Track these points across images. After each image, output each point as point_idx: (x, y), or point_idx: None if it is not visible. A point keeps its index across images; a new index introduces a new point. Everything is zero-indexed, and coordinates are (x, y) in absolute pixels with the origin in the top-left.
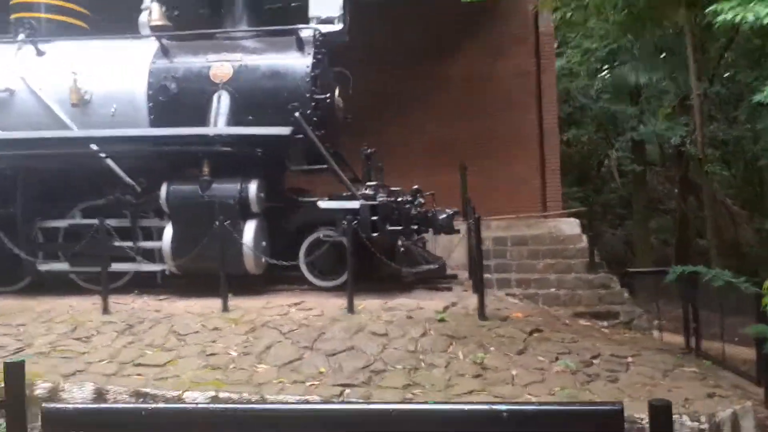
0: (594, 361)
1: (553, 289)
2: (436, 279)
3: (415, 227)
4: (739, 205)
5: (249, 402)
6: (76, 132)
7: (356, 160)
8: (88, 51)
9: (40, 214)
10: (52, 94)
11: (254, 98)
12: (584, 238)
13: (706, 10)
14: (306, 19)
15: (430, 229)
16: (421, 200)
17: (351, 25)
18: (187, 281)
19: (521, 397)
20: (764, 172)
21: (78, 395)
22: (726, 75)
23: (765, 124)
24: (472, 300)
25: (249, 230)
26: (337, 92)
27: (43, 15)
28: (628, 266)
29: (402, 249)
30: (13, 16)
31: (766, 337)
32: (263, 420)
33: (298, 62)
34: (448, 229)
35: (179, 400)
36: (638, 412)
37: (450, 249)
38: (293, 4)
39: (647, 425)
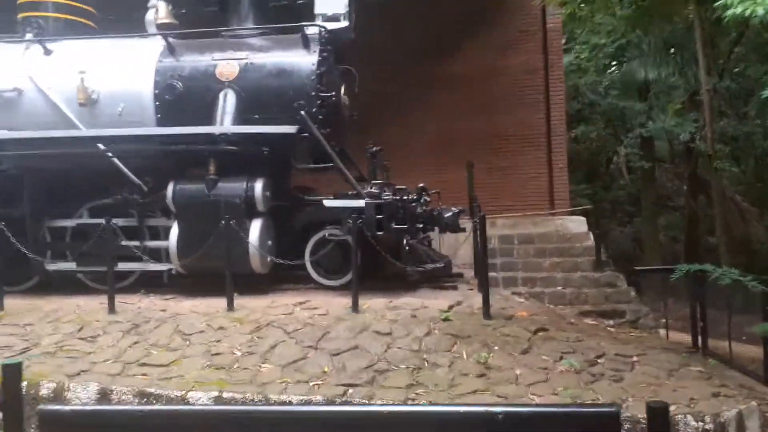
0: (599, 360)
1: (559, 288)
2: (442, 278)
3: (421, 226)
4: (749, 201)
5: (252, 402)
6: (83, 131)
7: (362, 159)
8: (95, 50)
9: (47, 213)
10: (59, 94)
11: (260, 96)
12: (591, 236)
13: (716, 4)
14: (312, 16)
15: (436, 228)
16: (427, 198)
17: (355, 23)
18: (193, 281)
19: (525, 397)
20: None
21: (82, 395)
22: (736, 70)
23: None
24: (478, 299)
25: (255, 229)
26: (342, 90)
27: (50, 14)
28: (636, 264)
29: (407, 247)
30: (20, 16)
31: None
32: (258, 421)
33: (303, 60)
34: (453, 227)
35: (183, 400)
36: (642, 413)
37: (456, 247)
38: (299, 1)
39: None
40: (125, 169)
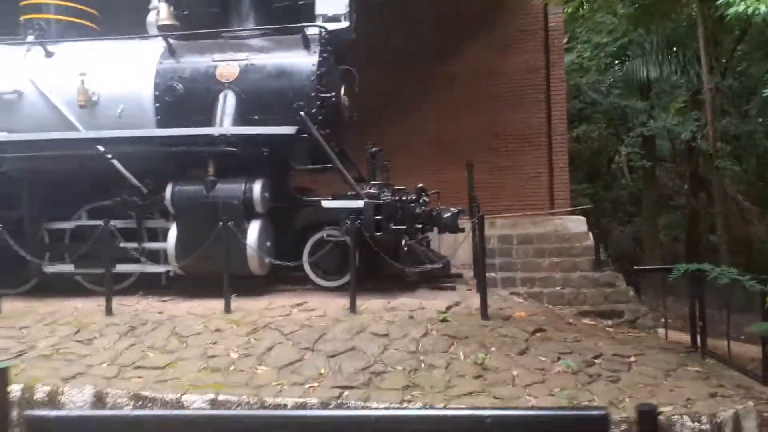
0: (596, 361)
1: (558, 288)
2: (440, 278)
3: (420, 226)
4: (751, 201)
5: (247, 404)
6: (82, 133)
7: (362, 159)
8: (96, 52)
9: (46, 215)
10: (60, 96)
11: (260, 98)
12: (590, 235)
13: (718, 2)
14: (313, 17)
15: (435, 228)
16: (426, 199)
17: (357, 24)
18: (192, 282)
19: (521, 398)
20: None
21: (78, 399)
22: (739, 68)
23: None
24: (476, 299)
25: (253, 231)
26: (342, 90)
27: (52, 16)
28: (637, 263)
29: (406, 248)
30: (22, 18)
31: None
32: (247, 426)
33: (303, 61)
34: (452, 227)
35: (178, 403)
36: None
37: (455, 248)
38: (301, 2)
39: None
40: (125, 171)
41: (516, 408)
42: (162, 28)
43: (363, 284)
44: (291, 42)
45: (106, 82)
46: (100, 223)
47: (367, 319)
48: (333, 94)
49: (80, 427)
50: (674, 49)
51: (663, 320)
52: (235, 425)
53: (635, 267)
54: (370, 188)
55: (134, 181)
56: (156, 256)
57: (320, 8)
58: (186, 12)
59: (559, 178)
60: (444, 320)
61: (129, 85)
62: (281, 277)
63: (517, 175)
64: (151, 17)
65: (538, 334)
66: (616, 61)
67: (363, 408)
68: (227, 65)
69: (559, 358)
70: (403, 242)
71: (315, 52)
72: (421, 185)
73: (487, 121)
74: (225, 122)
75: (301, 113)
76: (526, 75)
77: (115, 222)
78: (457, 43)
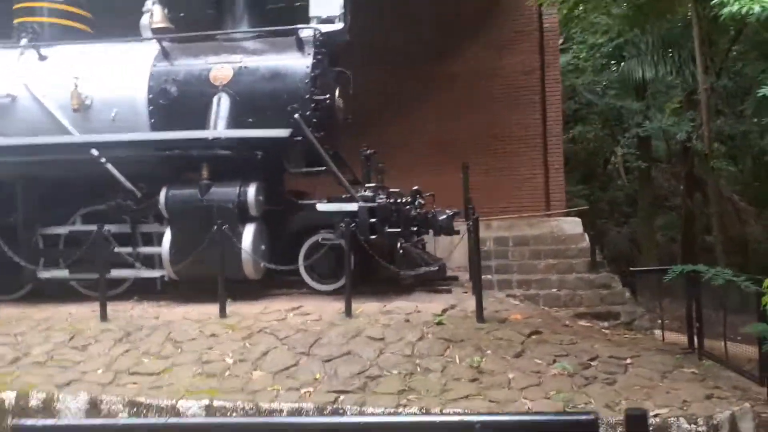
0: (592, 363)
1: (554, 290)
2: (436, 281)
3: (415, 229)
4: (747, 201)
5: (242, 410)
6: (75, 137)
7: (357, 161)
8: (89, 55)
9: (40, 220)
10: (53, 100)
11: (254, 100)
12: (586, 237)
13: (712, 2)
14: (307, 19)
15: (431, 231)
16: (421, 201)
17: (353, 24)
18: (187, 287)
19: (517, 401)
20: None
21: (72, 406)
22: (734, 68)
23: None
24: (472, 302)
25: (248, 235)
26: (337, 93)
27: (45, 19)
28: (634, 264)
29: (401, 251)
30: (16, 21)
31: (767, 336)
32: None
33: (297, 63)
34: (447, 230)
35: (173, 408)
36: None
37: (450, 250)
38: (297, 4)
39: None
40: (119, 175)
41: (506, 413)
42: (156, 31)
43: (358, 287)
44: (285, 44)
45: (100, 86)
46: (95, 228)
47: (362, 322)
48: (327, 96)
49: None
50: (669, 49)
51: (660, 321)
52: None
53: (631, 268)
54: (364, 191)
55: (128, 185)
56: (151, 261)
57: (314, 10)
58: (182, 15)
59: (555, 179)
60: (440, 323)
61: (123, 88)
62: (276, 280)
63: (512, 176)
64: (144, 20)
65: (534, 337)
66: (612, 62)
67: (359, 413)
68: (221, 68)
69: (555, 361)
70: (399, 245)
71: (309, 54)
72: (416, 188)
73: (486, 121)
74: (219, 125)
75: (296, 116)
76: (521, 76)
77: (109, 227)
78: (453, 45)
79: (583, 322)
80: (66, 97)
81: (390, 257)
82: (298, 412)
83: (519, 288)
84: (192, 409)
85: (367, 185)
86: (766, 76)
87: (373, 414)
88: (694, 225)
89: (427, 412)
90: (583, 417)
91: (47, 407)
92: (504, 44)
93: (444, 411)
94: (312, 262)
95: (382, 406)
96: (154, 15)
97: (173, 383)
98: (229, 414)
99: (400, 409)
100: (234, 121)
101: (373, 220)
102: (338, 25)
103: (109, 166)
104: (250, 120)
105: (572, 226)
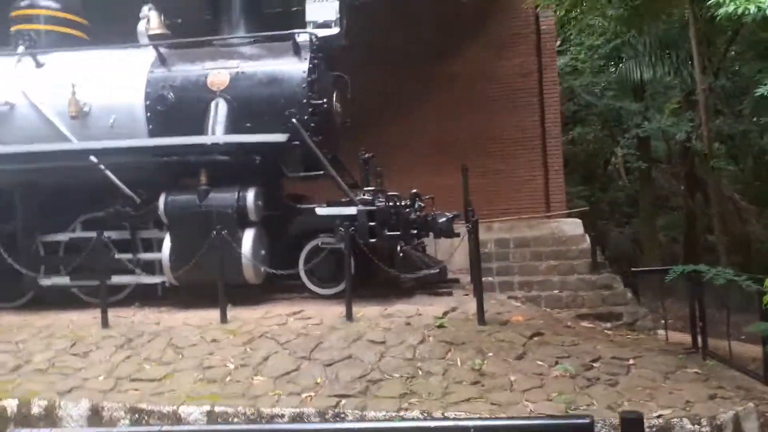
0: (594, 364)
1: (555, 291)
2: (437, 283)
3: (415, 232)
4: (748, 200)
5: (243, 415)
6: (74, 144)
7: (356, 165)
8: (86, 62)
9: (40, 227)
10: (51, 107)
11: (251, 105)
12: (587, 238)
13: (709, 3)
14: (303, 24)
15: (431, 233)
16: (421, 204)
17: (351, 25)
18: (188, 292)
19: (519, 404)
20: None
21: (74, 413)
22: (732, 68)
23: None
24: (473, 304)
25: (247, 239)
26: (335, 96)
27: (42, 27)
28: (636, 264)
29: (401, 254)
30: (13, 29)
31: None
32: None
33: (294, 68)
34: (447, 232)
35: (174, 415)
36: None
37: (451, 252)
38: (293, 9)
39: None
40: (117, 182)
41: (501, 418)
42: (152, 37)
43: (359, 291)
44: (282, 49)
45: (98, 93)
46: (95, 234)
47: (363, 326)
48: (325, 100)
49: None
50: (667, 50)
51: (663, 322)
52: None
53: (633, 269)
54: (363, 194)
55: (127, 191)
56: (151, 267)
57: (311, 15)
58: (180, 21)
59: (554, 181)
60: (441, 326)
61: (120, 94)
62: (277, 285)
63: (512, 178)
64: (141, 26)
65: (535, 339)
66: (610, 63)
67: (360, 417)
68: (218, 73)
69: (557, 363)
70: (398, 248)
71: (306, 58)
72: (415, 190)
73: (482, 123)
74: (217, 131)
75: (293, 120)
76: (519, 78)
77: (109, 233)
78: (451, 47)
79: (585, 324)
80: (64, 104)
81: (390, 260)
82: (299, 416)
83: (520, 290)
84: (193, 415)
85: (365, 189)
86: (763, 75)
87: (369, 420)
88: (696, 225)
89: (426, 417)
90: (579, 421)
91: (49, 415)
92: (502, 46)
93: (445, 414)
94: (312, 266)
95: (384, 410)
96: (150, 21)
97: (174, 389)
98: (230, 419)
99: (402, 413)
100: (232, 127)
101: (372, 223)
102: (334, 30)
103: (108, 172)
104: (248, 125)
105: (573, 227)
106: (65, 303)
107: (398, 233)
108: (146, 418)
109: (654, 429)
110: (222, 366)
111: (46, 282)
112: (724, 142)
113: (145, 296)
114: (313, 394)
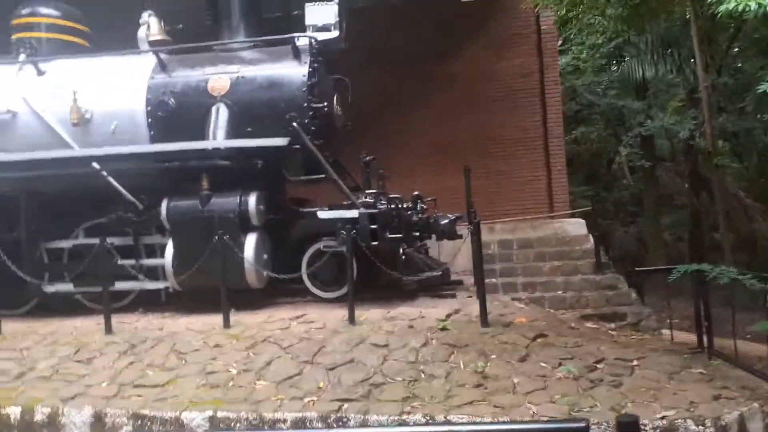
0: (598, 365)
1: (559, 292)
2: (440, 286)
3: (417, 234)
4: (753, 198)
5: (246, 420)
6: (75, 151)
7: (357, 168)
8: (87, 69)
9: (44, 235)
10: (53, 114)
11: (252, 110)
12: (591, 238)
13: (709, 0)
14: (303, 28)
15: (433, 235)
16: (423, 206)
17: (350, 28)
18: (191, 297)
19: (522, 406)
20: None
21: (77, 419)
22: (734, 65)
23: None
24: (476, 306)
25: (249, 244)
26: (335, 100)
27: (43, 34)
28: (641, 264)
29: (403, 256)
30: (14, 37)
31: None
32: None
33: (294, 71)
34: (450, 234)
35: (177, 420)
36: (641, 419)
37: (454, 254)
38: (293, 13)
39: None
40: (120, 188)
41: (497, 422)
42: (152, 43)
43: (362, 294)
44: (281, 53)
45: (99, 99)
46: (98, 241)
47: (366, 329)
48: (325, 104)
49: None
50: (669, 48)
51: (668, 321)
52: None
53: (636, 268)
54: (365, 197)
55: (129, 197)
56: (154, 273)
57: (310, 19)
58: (181, 26)
59: (558, 180)
60: (444, 329)
61: (121, 101)
62: (280, 289)
63: (515, 178)
64: (141, 32)
65: (539, 340)
66: (613, 62)
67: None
68: (218, 78)
69: (560, 364)
70: (401, 250)
71: (306, 62)
72: (417, 193)
73: (484, 124)
74: (218, 136)
75: (294, 124)
76: (520, 78)
77: (112, 239)
78: (452, 47)
79: (589, 324)
80: (65, 111)
81: (393, 263)
82: (301, 421)
83: (524, 291)
84: (196, 420)
85: (367, 191)
86: (766, 72)
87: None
88: (701, 223)
89: (429, 421)
90: (575, 425)
91: (52, 422)
92: (503, 47)
93: (448, 418)
94: (315, 269)
95: (386, 414)
96: (150, 27)
97: (177, 395)
98: (233, 425)
99: (404, 417)
100: (233, 131)
101: (374, 226)
102: (334, 33)
103: (110, 179)
104: (249, 129)
105: (576, 227)
106: (69, 310)
107: (400, 236)
108: (149, 424)
109: (658, 430)
110: (225, 371)
111: (49, 289)
112: (728, 139)
113: (148, 302)
114: (315, 398)
